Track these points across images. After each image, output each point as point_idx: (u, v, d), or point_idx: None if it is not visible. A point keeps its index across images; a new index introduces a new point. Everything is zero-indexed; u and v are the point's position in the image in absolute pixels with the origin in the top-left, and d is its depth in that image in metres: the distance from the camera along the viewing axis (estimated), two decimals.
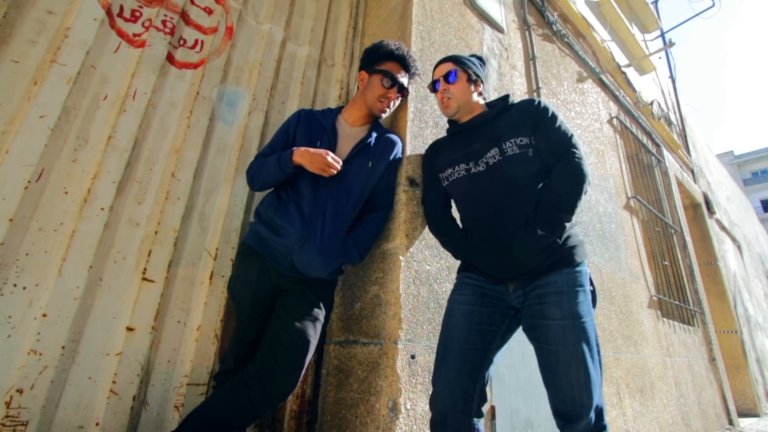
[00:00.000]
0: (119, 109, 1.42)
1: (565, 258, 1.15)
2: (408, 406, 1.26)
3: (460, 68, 1.39)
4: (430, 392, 1.34)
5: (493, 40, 2.51)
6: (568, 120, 2.99)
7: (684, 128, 6.23)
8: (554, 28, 3.32)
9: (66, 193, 1.26)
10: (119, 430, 1.21)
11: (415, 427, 1.26)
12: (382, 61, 1.51)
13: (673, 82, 6.68)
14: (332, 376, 1.51)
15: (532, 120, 1.28)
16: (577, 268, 1.15)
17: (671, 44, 5.27)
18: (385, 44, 1.54)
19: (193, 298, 1.45)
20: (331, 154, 1.31)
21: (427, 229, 1.55)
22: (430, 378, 1.37)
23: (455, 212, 1.49)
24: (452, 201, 1.47)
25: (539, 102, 1.31)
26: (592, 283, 1.18)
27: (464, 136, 1.37)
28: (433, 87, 1.44)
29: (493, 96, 2.18)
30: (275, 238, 1.30)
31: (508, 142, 1.25)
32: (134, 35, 1.52)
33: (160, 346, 1.35)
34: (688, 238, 4.51)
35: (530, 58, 2.85)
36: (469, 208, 1.33)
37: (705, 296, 4.35)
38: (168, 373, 1.35)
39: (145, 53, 1.52)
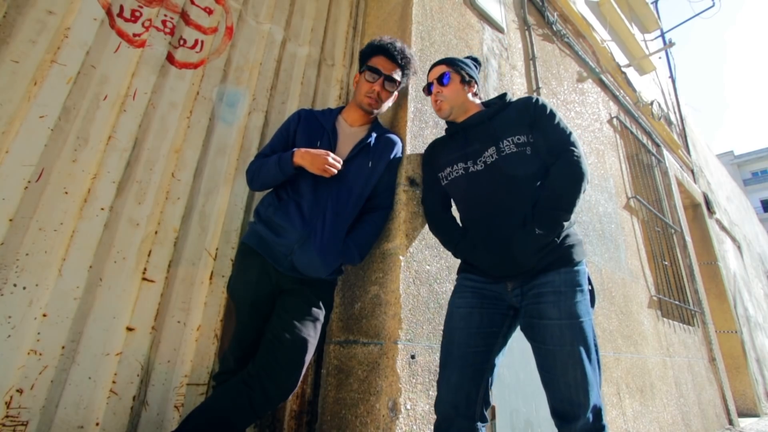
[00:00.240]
0: (119, 109, 1.42)
1: (564, 257, 1.15)
2: (408, 406, 1.27)
3: (453, 70, 1.40)
4: (431, 392, 1.35)
5: (493, 40, 2.51)
6: (568, 120, 2.99)
7: (684, 128, 6.23)
8: (554, 28, 3.32)
9: (66, 193, 1.26)
10: (119, 430, 1.22)
11: (415, 427, 1.26)
12: (369, 57, 1.52)
13: (673, 82, 6.68)
14: (332, 376, 1.51)
15: (530, 118, 1.28)
16: (576, 268, 1.15)
17: (671, 44, 5.27)
18: (375, 41, 1.53)
19: (193, 298, 1.46)
20: (331, 154, 1.31)
21: (427, 229, 1.55)
22: (431, 378, 1.37)
23: (455, 212, 1.50)
24: (452, 200, 1.47)
25: (537, 99, 1.31)
26: (590, 283, 1.18)
27: (462, 135, 1.37)
28: (428, 89, 1.45)
29: (493, 96, 2.18)
30: (275, 238, 1.30)
31: (505, 141, 1.25)
32: (134, 35, 1.52)
33: (160, 346, 1.35)
34: (688, 238, 4.51)
35: (530, 58, 2.85)
36: (468, 208, 1.33)
37: (705, 296, 4.35)
38: (168, 373, 1.35)
39: (145, 53, 1.52)
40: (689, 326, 3.81)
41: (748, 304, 6.54)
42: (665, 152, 4.88)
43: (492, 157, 1.25)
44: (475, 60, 1.49)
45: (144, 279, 1.35)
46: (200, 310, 1.45)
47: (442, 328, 1.31)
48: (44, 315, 1.15)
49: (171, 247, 1.43)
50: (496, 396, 1.60)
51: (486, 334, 1.18)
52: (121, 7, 1.52)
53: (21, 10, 1.31)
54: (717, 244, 5.69)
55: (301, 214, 1.33)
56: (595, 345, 1.09)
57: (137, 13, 1.55)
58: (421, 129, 1.73)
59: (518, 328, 1.24)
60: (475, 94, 1.43)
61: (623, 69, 4.47)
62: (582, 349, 1.05)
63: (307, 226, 1.31)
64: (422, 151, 1.66)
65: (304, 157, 1.31)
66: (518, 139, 1.24)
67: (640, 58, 4.95)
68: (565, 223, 1.15)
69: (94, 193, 1.31)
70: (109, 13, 1.48)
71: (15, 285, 1.13)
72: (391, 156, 1.52)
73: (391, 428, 1.22)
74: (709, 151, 7.87)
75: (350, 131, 1.51)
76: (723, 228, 6.53)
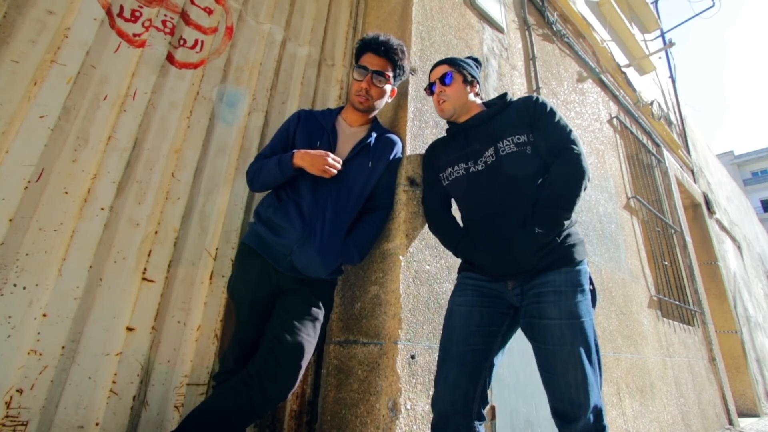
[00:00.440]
0: (119, 109, 1.42)
1: (565, 257, 1.15)
2: (408, 406, 1.27)
3: (456, 70, 1.40)
4: (431, 392, 1.35)
5: (493, 40, 2.51)
6: (567, 120, 2.98)
7: (684, 128, 6.23)
8: (554, 28, 3.32)
9: (66, 193, 1.26)
10: (119, 430, 1.21)
11: (415, 427, 1.26)
12: (359, 56, 1.51)
13: (673, 82, 6.68)
14: (332, 376, 1.51)
15: (530, 117, 1.28)
16: (577, 267, 1.14)
17: (671, 44, 5.27)
18: (362, 38, 1.52)
19: (193, 298, 1.46)
20: (331, 155, 1.31)
21: (427, 229, 1.55)
22: (430, 378, 1.37)
23: (455, 212, 1.50)
24: (452, 200, 1.47)
25: (537, 98, 1.31)
26: (591, 283, 1.17)
27: (463, 135, 1.37)
28: (430, 89, 1.45)
29: (493, 96, 2.18)
30: (275, 238, 1.30)
31: (506, 141, 1.25)
32: (134, 35, 1.52)
33: (160, 346, 1.35)
34: (688, 238, 4.51)
35: (530, 58, 2.85)
36: (468, 208, 1.33)
37: (705, 296, 4.35)
38: (168, 373, 1.35)
39: (145, 53, 1.52)
40: (689, 326, 3.81)
41: (748, 304, 6.54)
42: (665, 152, 4.88)
43: (492, 157, 1.25)
44: (476, 60, 1.49)
45: (144, 279, 1.35)
46: (200, 310, 1.45)
47: (442, 328, 1.31)
48: (44, 315, 1.15)
49: (171, 247, 1.43)
50: (496, 396, 1.60)
51: (485, 333, 1.18)
52: (121, 7, 1.52)
53: (21, 10, 1.31)
54: (717, 244, 5.69)
55: (300, 214, 1.33)
56: (596, 345, 1.08)
57: (137, 13, 1.55)
58: (421, 129, 1.73)
59: (518, 329, 1.24)
60: (476, 94, 1.43)
61: (623, 69, 4.47)
62: (582, 349, 1.04)
63: (307, 226, 1.31)
64: (422, 151, 1.65)
65: (303, 158, 1.31)
66: (518, 138, 1.24)
67: (640, 58, 4.95)
68: (566, 223, 1.14)
69: (94, 193, 1.31)
70: (109, 13, 1.48)
71: (15, 285, 1.13)
72: (391, 156, 1.52)
73: (391, 428, 1.22)
74: (709, 151, 7.87)
75: (350, 131, 1.51)
76: (723, 228, 6.54)
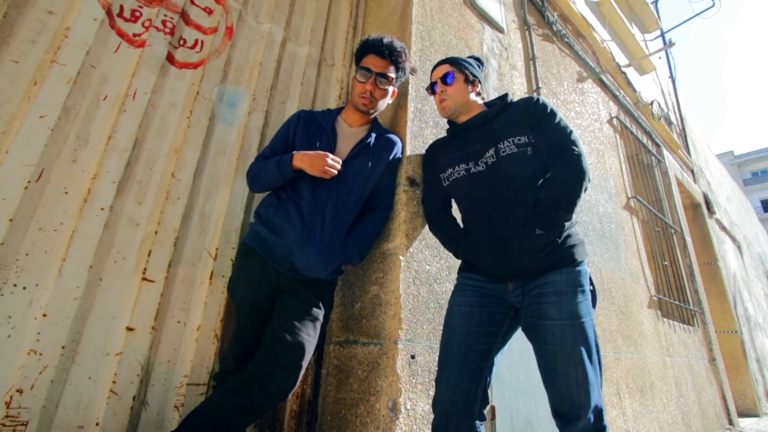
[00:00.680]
0: (119, 109, 1.42)
1: (565, 257, 1.15)
2: (408, 406, 1.26)
3: (458, 69, 1.39)
4: (431, 392, 1.35)
5: (493, 40, 2.51)
6: (568, 120, 2.98)
7: (684, 128, 6.23)
8: (554, 28, 3.32)
9: (66, 193, 1.26)
10: (119, 430, 1.21)
11: (415, 427, 1.26)
12: (361, 57, 1.51)
13: (673, 82, 6.68)
14: (332, 376, 1.51)
15: (530, 118, 1.28)
16: (577, 268, 1.14)
17: (671, 44, 5.27)
18: (364, 40, 1.52)
19: (193, 298, 1.45)
20: (330, 155, 1.31)
21: (427, 229, 1.55)
22: (431, 378, 1.37)
23: (456, 212, 1.49)
24: (453, 201, 1.47)
25: (538, 99, 1.31)
26: (592, 283, 1.18)
27: (464, 136, 1.37)
28: (431, 89, 1.45)
29: (492, 96, 2.18)
30: (275, 239, 1.30)
31: (506, 141, 1.25)
32: (134, 35, 1.52)
33: (160, 346, 1.35)
34: (688, 238, 4.51)
35: (530, 58, 2.85)
36: (469, 208, 1.33)
37: (705, 296, 4.35)
38: (168, 373, 1.35)
39: (145, 53, 1.52)
40: (689, 326, 3.81)
41: (748, 304, 6.54)
42: (665, 152, 4.88)
43: (493, 158, 1.25)
44: (478, 60, 1.48)
45: (144, 279, 1.35)
46: (200, 310, 1.45)
47: (442, 328, 1.31)
48: (44, 315, 1.15)
49: (171, 247, 1.43)
50: (496, 396, 1.60)
51: (486, 333, 1.18)
52: (121, 7, 1.52)
53: (21, 10, 1.31)
54: (717, 244, 5.69)
55: (300, 214, 1.33)
56: (596, 345, 1.09)
57: (137, 13, 1.55)
58: (421, 129, 1.73)
59: (519, 329, 1.24)
60: (478, 94, 1.43)
61: (623, 69, 4.47)
62: (583, 350, 1.05)
63: (307, 226, 1.31)
64: (422, 151, 1.65)
65: (303, 159, 1.31)
66: (519, 139, 1.24)
67: (640, 58, 4.95)
68: (566, 223, 1.15)
69: (94, 193, 1.31)
70: (109, 13, 1.48)
71: (15, 285, 1.13)
72: (391, 156, 1.51)
73: (391, 428, 1.22)
74: (709, 151, 7.87)
75: (350, 131, 1.51)
76: (723, 228, 6.54)
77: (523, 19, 2.99)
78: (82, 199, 1.29)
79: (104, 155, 1.35)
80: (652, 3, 6.43)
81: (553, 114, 1.27)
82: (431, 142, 1.57)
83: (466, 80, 1.39)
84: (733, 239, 7.12)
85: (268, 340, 1.23)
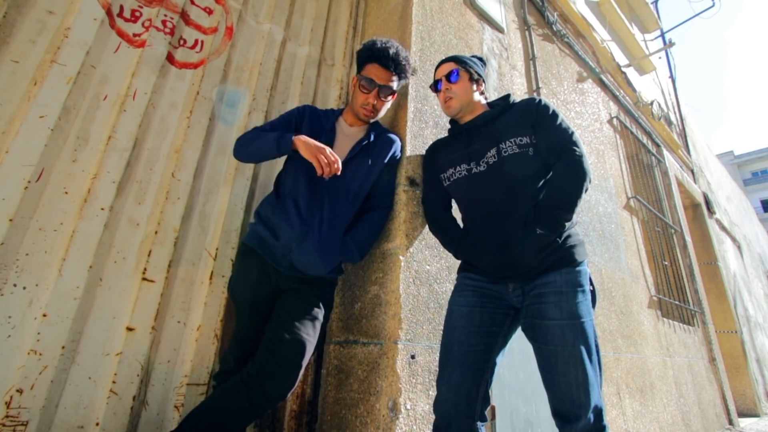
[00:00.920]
0: (119, 109, 1.42)
1: (565, 258, 1.15)
2: (408, 406, 1.26)
3: (462, 68, 1.39)
4: (431, 392, 1.35)
5: (493, 40, 2.51)
6: (568, 120, 2.98)
7: (684, 128, 6.23)
8: (554, 28, 3.32)
9: (66, 193, 1.26)
10: (119, 430, 1.21)
11: (415, 427, 1.26)
12: (365, 64, 1.48)
13: (673, 82, 6.68)
14: (332, 376, 1.51)
15: (532, 119, 1.28)
16: (577, 268, 1.14)
17: (671, 44, 5.27)
18: (369, 45, 1.48)
19: (193, 298, 1.46)
20: (329, 149, 1.28)
21: (427, 229, 1.55)
22: (431, 378, 1.37)
23: (456, 212, 1.49)
24: (453, 201, 1.47)
25: (540, 100, 1.31)
26: (592, 283, 1.18)
27: (465, 136, 1.37)
28: (435, 87, 1.44)
29: (492, 96, 2.18)
30: (274, 238, 1.30)
31: (508, 142, 1.25)
32: (134, 35, 1.52)
33: (160, 346, 1.35)
34: (688, 238, 4.51)
35: (530, 58, 2.85)
36: (469, 208, 1.33)
37: (705, 296, 4.35)
38: (168, 373, 1.35)
39: (145, 53, 1.52)
40: (689, 326, 3.81)
41: (748, 304, 6.54)
42: (665, 152, 4.88)
43: (494, 158, 1.25)
44: (481, 59, 1.48)
45: (144, 279, 1.35)
46: (200, 310, 1.45)
47: (442, 328, 1.31)
48: (44, 315, 1.15)
49: (171, 247, 1.43)
50: (496, 396, 1.60)
51: (486, 333, 1.18)
52: (121, 7, 1.52)
53: (21, 10, 1.31)
54: (717, 244, 5.69)
55: (298, 212, 1.33)
56: (596, 345, 1.09)
57: (137, 13, 1.55)
58: (421, 129, 1.73)
59: (519, 329, 1.24)
60: (482, 93, 1.43)
61: (623, 69, 4.47)
62: (583, 350, 1.05)
63: (305, 223, 1.31)
64: (422, 151, 1.65)
65: (305, 142, 1.28)
66: (520, 140, 1.24)
67: (640, 58, 4.95)
68: (567, 224, 1.15)
69: (94, 193, 1.31)
70: (109, 13, 1.48)
71: (15, 285, 1.13)
72: (390, 155, 1.52)
73: (391, 428, 1.22)
74: (709, 151, 7.87)
75: (349, 131, 1.52)
76: (723, 228, 6.54)
77: (523, 19, 2.99)
78: (82, 199, 1.29)
79: (104, 155, 1.35)
80: (652, 3, 6.43)
81: (554, 115, 1.27)
82: (431, 142, 1.57)
83: (471, 79, 1.39)
84: (733, 239, 7.12)
85: (268, 339, 1.24)
